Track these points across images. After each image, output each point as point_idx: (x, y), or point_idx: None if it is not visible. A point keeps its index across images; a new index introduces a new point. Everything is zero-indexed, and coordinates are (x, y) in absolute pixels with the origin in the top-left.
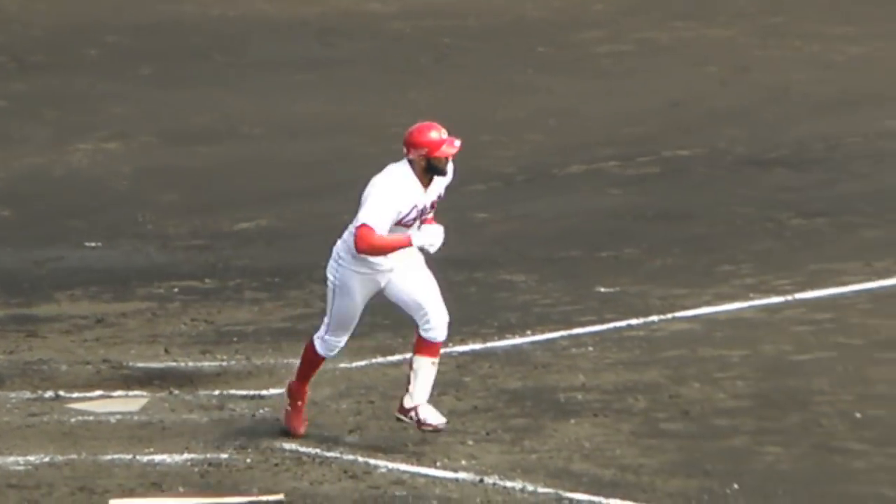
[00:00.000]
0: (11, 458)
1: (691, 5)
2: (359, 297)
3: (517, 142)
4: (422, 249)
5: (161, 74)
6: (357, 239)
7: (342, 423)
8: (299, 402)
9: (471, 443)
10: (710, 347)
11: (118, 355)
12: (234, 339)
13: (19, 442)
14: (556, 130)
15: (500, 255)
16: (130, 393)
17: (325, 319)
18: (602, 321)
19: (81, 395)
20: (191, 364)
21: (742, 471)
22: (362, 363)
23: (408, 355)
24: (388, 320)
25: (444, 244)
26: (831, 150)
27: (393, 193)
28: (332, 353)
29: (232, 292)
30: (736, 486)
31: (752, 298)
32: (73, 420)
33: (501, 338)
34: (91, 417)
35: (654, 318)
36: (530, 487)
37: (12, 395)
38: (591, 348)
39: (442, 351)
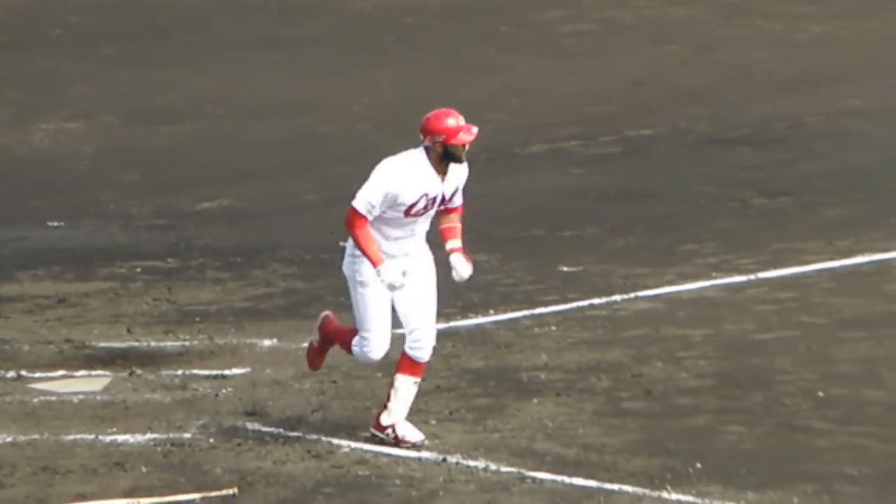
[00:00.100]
0: None
1: None
2: (381, 286)
3: (479, 121)
4: (381, 279)
5: (124, 54)
6: (345, 218)
7: (305, 403)
8: (328, 347)
9: (434, 422)
10: (672, 327)
11: (81, 335)
12: (197, 318)
13: None
14: (518, 110)
15: (463, 233)
16: (93, 373)
17: (360, 323)
18: (565, 300)
19: (44, 374)
20: (153, 344)
21: (705, 450)
22: None
23: None
24: (350, 300)
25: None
26: (794, 130)
27: (393, 179)
28: (373, 360)
29: (194, 272)
30: (699, 465)
31: (714, 277)
32: (35, 400)
33: (464, 317)
34: (53, 397)
35: (617, 297)
36: (493, 466)
37: None
38: (553, 328)
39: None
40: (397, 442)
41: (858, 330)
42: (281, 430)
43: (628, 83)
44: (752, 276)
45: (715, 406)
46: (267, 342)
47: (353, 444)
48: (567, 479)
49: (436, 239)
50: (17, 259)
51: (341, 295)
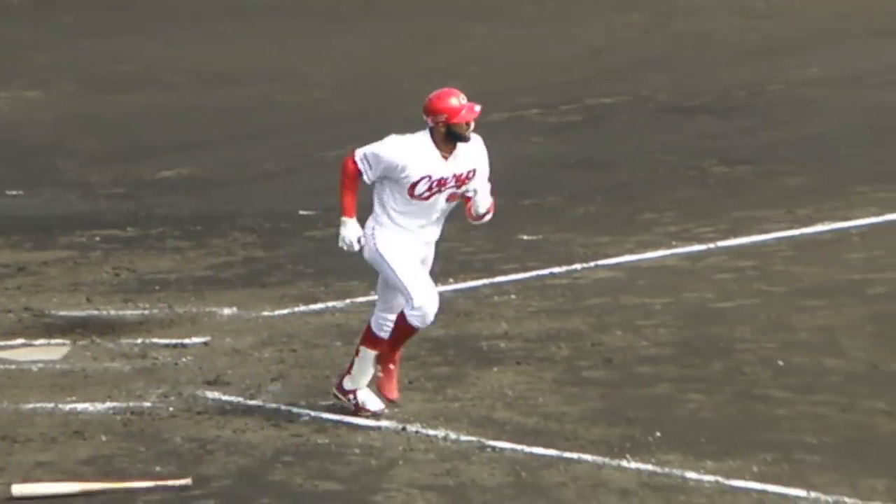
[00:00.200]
0: None
1: None
2: (410, 248)
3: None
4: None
5: (83, 22)
6: (342, 163)
7: (265, 372)
8: (391, 366)
9: None
10: (632, 295)
11: (40, 304)
12: (157, 287)
13: None
14: (478, 78)
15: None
16: (52, 341)
17: (404, 292)
18: (525, 269)
19: (3, 343)
20: (113, 312)
21: (664, 418)
22: (285, 311)
23: (330, 303)
24: (310, 269)
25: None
26: (754, 98)
27: (394, 149)
28: (429, 320)
29: (154, 241)
30: (658, 433)
31: (674, 246)
32: None
33: None
34: (13, 366)
35: (577, 266)
36: (453, 435)
37: None
38: (513, 296)
39: (363, 300)
40: (357, 410)
41: (818, 298)
42: (240, 399)
43: (589, 52)
44: (711, 245)
45: (675, 374)
46: (227, 311)
47: (313, 413)
48: (527, 448)
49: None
50: None
51: (300, 263)
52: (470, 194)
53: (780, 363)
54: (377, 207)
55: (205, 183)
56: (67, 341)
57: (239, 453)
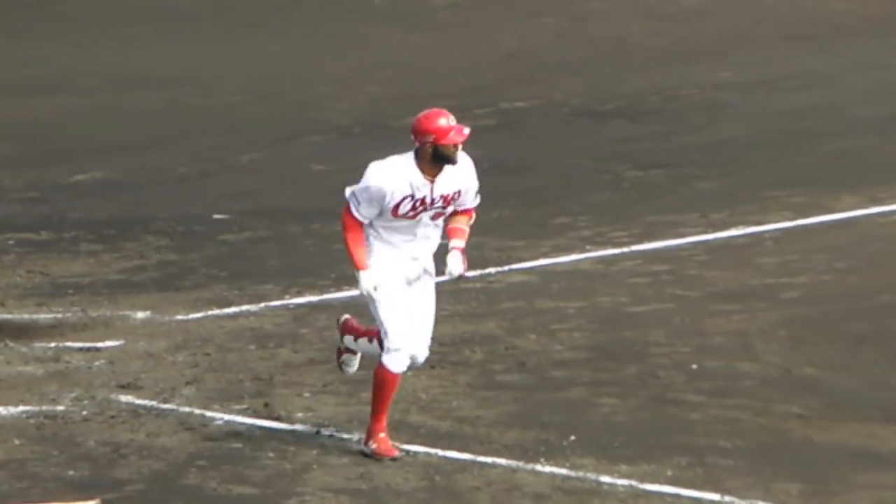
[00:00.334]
0: None
1: None
2: (399, 282)
3: (354, 94)
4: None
5: None
6: (342, 214)
7: (179, 376)
8: (381, 434)
9: (307, 395)
10: (546, 299)
11: None
12: (70, 291)
13: None
14: (392, 82)
15: (337, 206)
16: None
17: (382, 329)
18: (438, 273)
19: None
20: (26, 316)
21: (579, 422)
22: (198, 315)
23: (244, 307)
24: (224, 272)
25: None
26: (667, 102)
27: (375, 179)
28: (405, 365)
29: (67, 244)
30: (573, 437)
31: (588, 250)
32: None
33: (338, 290)
34: None
35: (491, 269)
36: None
37: None
38: None
39: (277, 303)
40: (339, 367)
41: (732, 303)
42: (154, 403)
43: (502, 56)
44: (625, 249)
45: (589, 378)
46: (140, 314)
47: (227, 417)
48: (441, 452)
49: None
50: None
51: (214, 267)
52: (457, 208)
53: (694, 367)
54: (369, 237)
55: (118, 186)
56: None
57: (152, 457)
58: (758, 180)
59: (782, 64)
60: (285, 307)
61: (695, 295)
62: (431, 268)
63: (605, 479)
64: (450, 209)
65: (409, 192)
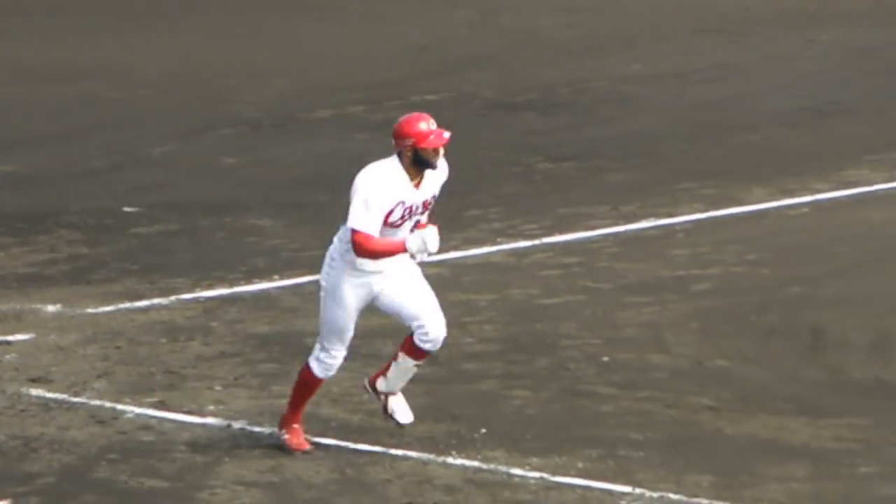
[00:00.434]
0: None
1: None
2: (351, 304)
3: (264, 86)
4: (414, 256)
5: None
6: (355, 246)
7: (90, 369)
8: (295, 425)
9: (219, 388)
10: (458, 292)
11: None
12: None
13: None
14: (303, 75)
15: (248, 199)
16: None
17: (318, 340)
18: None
19: None
20: None
21: (490, 415)
22: (109, 308)
23: (155, 301)
24: (135, 266)
25: (438, 249)
26: (578, 95)
27: (375, 191)
28: (331, 373)
29: None
30: (484, 430)
31: (500, 243)
32: None
33: (249, 283)
34: None
35: None
36: (279, 432)
37: None
38: None
39: (188, 296)
40: (384, 413)
41: (643, 295)
42: (65, 396)
43: (414, 48)
44: (537, 241)
45: (500, 371)
46: (51, 308)
47: (138, 410)
48: (352, 445)
49: None
50: None
51: (125, 260)
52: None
53: (606, 359)
54: (335, 247)
55: (29, 180)
56: None
57: (63, 451)
58: (669, 172)
59: (693, 56)
60: (196, 300)
61: (606, 287)
62: (411, 261)
63: (516, 471)
64: (425, 215)
65: (399, 198)
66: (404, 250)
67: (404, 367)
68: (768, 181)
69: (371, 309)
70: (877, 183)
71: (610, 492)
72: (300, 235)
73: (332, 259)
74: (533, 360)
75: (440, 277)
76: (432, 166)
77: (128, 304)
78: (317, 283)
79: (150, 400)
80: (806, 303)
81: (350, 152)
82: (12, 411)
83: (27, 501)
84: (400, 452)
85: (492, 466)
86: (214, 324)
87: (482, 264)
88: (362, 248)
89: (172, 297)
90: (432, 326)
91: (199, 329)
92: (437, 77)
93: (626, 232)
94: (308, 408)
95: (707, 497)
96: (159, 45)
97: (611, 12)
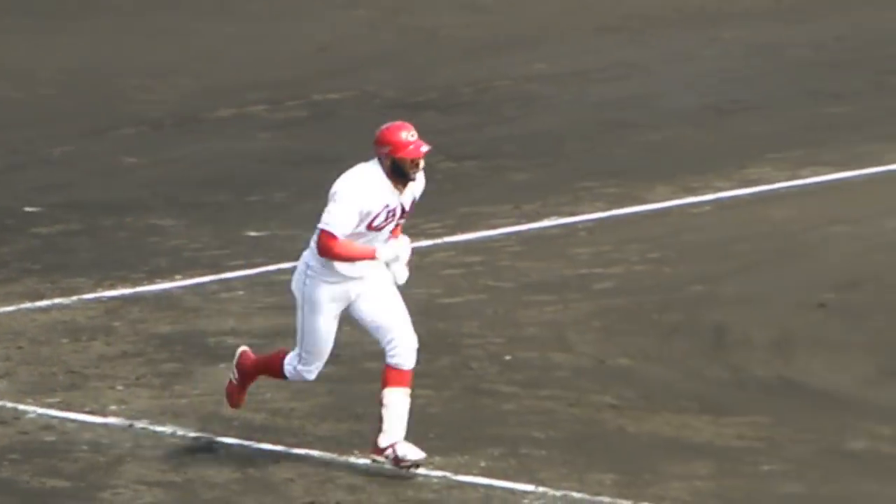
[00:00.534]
0: None
1: None
2: (331, 310)
3: (166, 86)
4: (388, 264)
5: None
6: (320, 245)
7: None
8: (246, 383)
9: (120, 388)
10: None
11: None
12: None
13: None
14: (204, 74)
15: (150, 199)
16: None
17: (297, 349)
18: (252, 265)
19: None
20: None
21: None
22: (10, 308)
23: (56, 300)
24: (36, 265)
25: (409, 260)
26: (480, 94)
27: (357, 194)
28: (312, 377)
29: None
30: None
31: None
32: None
33: (151, 282)
34: None
35: None
36: (181, 432)
37: None
38: (241, 292)
39: (90, 296)
40: (397, 463)
41: (545, 293)
42: None
43: (315, 48)
44: (439, 241)
45: None
46: None
47: (40, 410)
48: (255, 444)
49: None
50: None
51: (26, 260)
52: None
53: (508, 358)
54: (310, 253)
55: None
56: None
57: None
58: (571, 171)
59: (595, 55)
60: (98, 300)
61: (508, 286)
62: (385, 271)
63: (419, 470)
64: (403, 221)
65: (384, 202)
66: (374, 258)
67: (396, 404)
68: (671, 179)
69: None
70: (778, 181)
71: (512, 490)
72: (202, 235)
73: (309, 266)
74: (435, 358)
75: None
76: (409, 178)
77: (29, 304)
78: (219, 282)
79: (51, 400)
80: (708, 301)
81: (252, 152)
82: None
83: None
84: (303, 452)
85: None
86: (116, 323)
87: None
88: (328, 250)
89: (74, 297)
90: (403, 340)
91: (101, 329)
92: (338, 76)
93: (528, 231)
94: (211, 407)
95: (610, 495)
96: (60, 43)
97: (512, 11)
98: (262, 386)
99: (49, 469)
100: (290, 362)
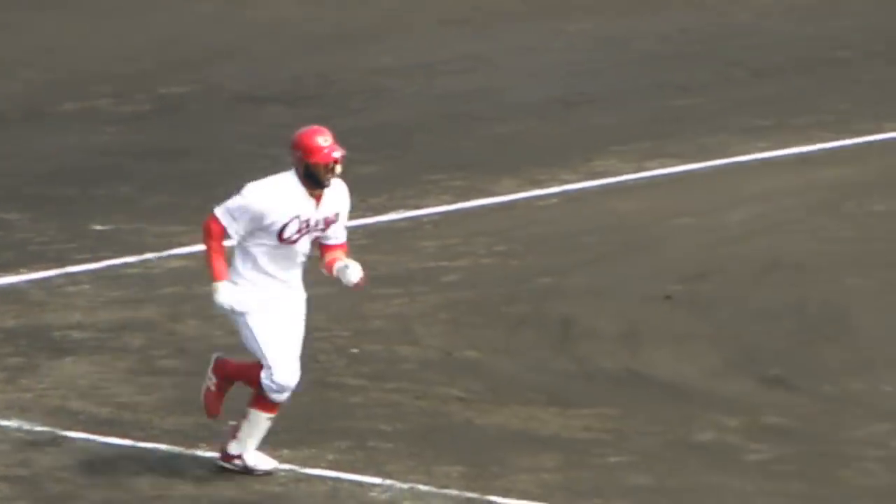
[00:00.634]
0: None
1: None
2: (272, 304)
3: (9, 79)
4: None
5: None
6: (202, 226)
7: None
8: (222, 391)
9: None
10: (206, 285)
11: None
12: None
13: None
14: (48, 68)
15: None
16: None
17: (263, 361)
18: (97, 259)
19: None
20: None
21: (240, 407)
22: None
23: None
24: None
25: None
26: (326, 87)
27: (259, 196)
28: (287, 394)
29: None
30: (233, 422)
31: None
32: None
33: None
34: None
35: (150, 255)
36: (26, 426)
37: None
38: (87, 286)
39: None
40: (247, 471)
41: (392, 287)
42: None
43: (161, 41)
44: None
45: None
46: None
47: None
48: (101, 438)
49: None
50: None
51: None
52: (329, 241)
53: (355, 351)
54: (238, 260)
55: None
56: None
57: None
58: (417, 164)
59: (441, 48)
60: None
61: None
62: (303, 297)
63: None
64: (329, 232)
65: (294, 212)
66: (213, 280)
67: (255, 421)
68: (517, 172)
69: (117, 301)
70: (624, 173)
71: (360, 483)
72: (47, 229)
73: (237, 280)
74: None
75: (188, 270)
76: (323, 184)
77: None
78: (65, 275)
79: None
80: (555, 294)
81: (97, 145)
82: None
83: None
84: (149, 445)
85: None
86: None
87: (229, 256)
88: (203, 230)
89: None
90: (283, 370)
91: None
92: (184, 69)
93: (374, 224)
94: (57, 401)
95: (457, 488)
96: None
97: (357, 4)
98: (107, 379)
99: None
100: (265, 378)
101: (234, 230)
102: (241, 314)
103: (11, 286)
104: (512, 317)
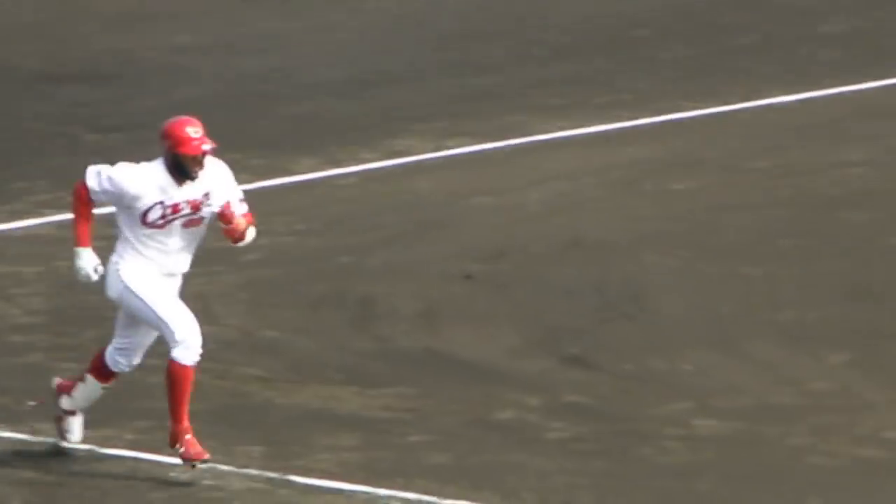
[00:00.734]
0: None
1: None
2: (157, 276)
3: None
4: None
5: None
6: (73, 188)
7: None
8: (188, 436)
9: None
10: (4, 264)
11: None
12: None
13: None
14: None
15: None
16: None
17: (162, 328)
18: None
19: None
20: None
21: (38, 387)
22: None
23: None
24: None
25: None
26: (124, 66)
27: (126, 172)
28: (199, 354)
29: None
30: (32, 402)
31: (46, 215)
32: None
33: None
34: None
35: None
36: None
37: None
38: None
39: None
40: (58, 425)
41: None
42: None
43: None
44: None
45: (48, 343)
46: None
47: None
48: None
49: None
50: None
51: None
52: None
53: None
54: (120, 241)
55: None
56: None
57: None
58: (221, 144)
59: (240, 27)
60: None
61: None
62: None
63: (64, 444)
64: (199, 215)
65: (158, 198)
66: (76, 246)
67: (91, 387)
68: (316, 152)
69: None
70: (423, 152)
71: (159, 463)
72: None
73: (121, 258)
74: (81, 332)
75: None
76: (190, 176)
77: None
78: None
79: None
80: (355, 273)
81: None
82: None
83: None
84: None
85: (41, 438)
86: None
87: (28, 236)
88: (76, 191)
89: None
90: (183, 326)
91: None
92: None
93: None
94: None
95: (257, 468)
96: None
97: None
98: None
99: None
100: (170, 342)
101: (96, 194)
102: (127, 288)
103: None
104: (312, 296)
